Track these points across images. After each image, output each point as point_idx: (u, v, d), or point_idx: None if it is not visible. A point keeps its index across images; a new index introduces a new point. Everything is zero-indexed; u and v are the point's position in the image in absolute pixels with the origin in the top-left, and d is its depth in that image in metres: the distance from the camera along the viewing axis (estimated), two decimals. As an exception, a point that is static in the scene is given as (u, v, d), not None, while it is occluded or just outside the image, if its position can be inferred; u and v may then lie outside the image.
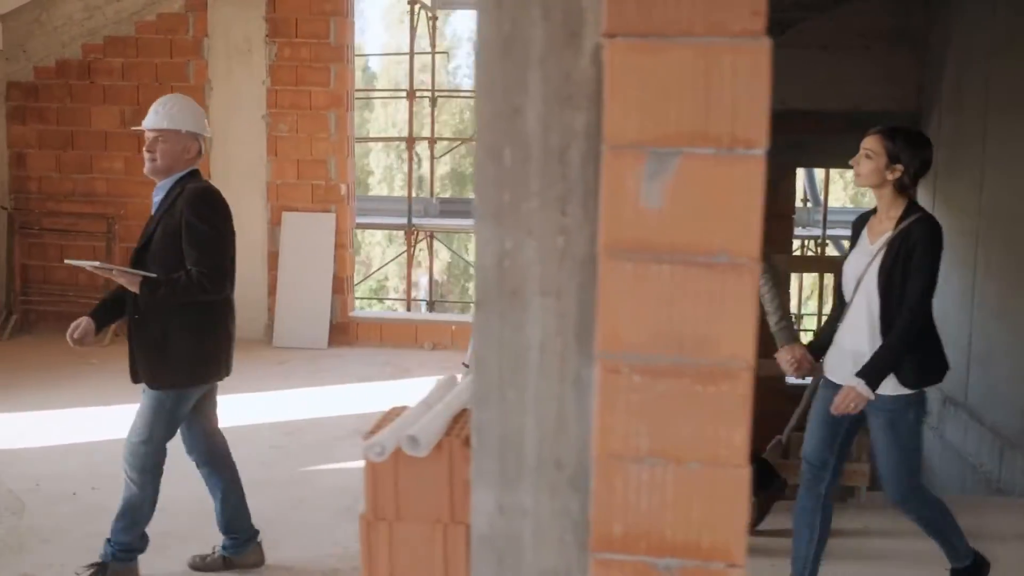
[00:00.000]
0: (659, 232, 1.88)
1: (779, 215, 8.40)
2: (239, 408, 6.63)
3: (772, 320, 4.08)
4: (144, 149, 3.95)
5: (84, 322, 3.86)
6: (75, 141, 9.07)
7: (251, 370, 7.82)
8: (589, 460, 2.12)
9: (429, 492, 2.20)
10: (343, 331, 8.92)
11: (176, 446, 3.98)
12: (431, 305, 12.73)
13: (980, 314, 6.84)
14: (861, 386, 3.41)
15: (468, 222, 11.43)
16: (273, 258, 8.91)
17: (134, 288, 3.81)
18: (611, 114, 1.88)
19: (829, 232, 10.73)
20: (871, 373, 3.44)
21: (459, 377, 2.58)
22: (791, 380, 8.09)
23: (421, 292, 22.45)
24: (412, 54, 9.31)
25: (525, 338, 2.04)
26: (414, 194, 10.56)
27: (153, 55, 8.90)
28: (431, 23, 9.92)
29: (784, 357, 3.87)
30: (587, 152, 2.00)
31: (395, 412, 2.26)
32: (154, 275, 3.81)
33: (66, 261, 3.84)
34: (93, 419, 6.22)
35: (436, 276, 22.30)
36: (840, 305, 3.69)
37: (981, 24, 7.03)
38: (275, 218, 8.92)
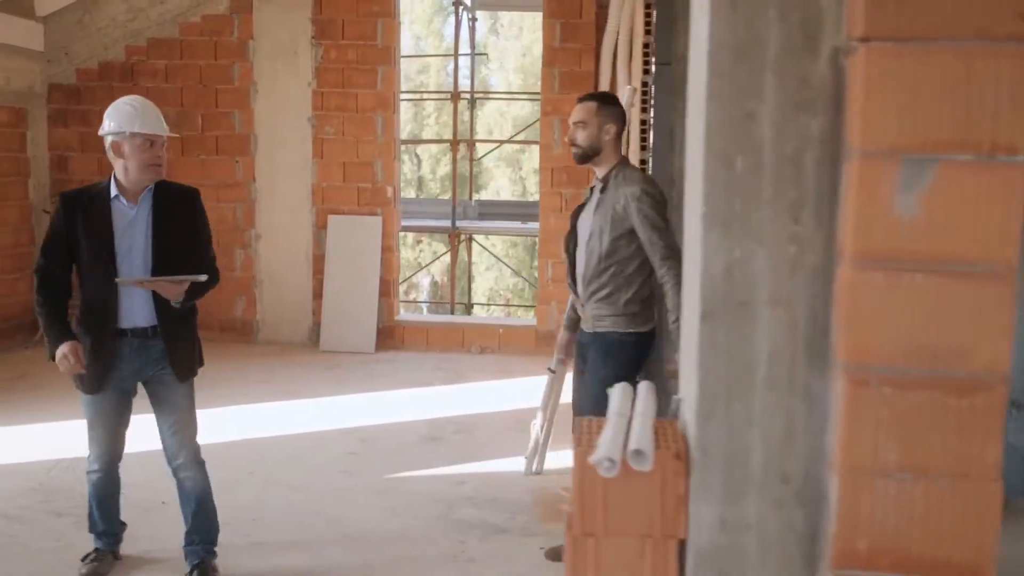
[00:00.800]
0: (913, 241, 1.84)
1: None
2: (303, 414, 6.61)
3: (671, 317, 3.91)
4: (155, 155, 3.77)
5: (75, 348, 3.71)
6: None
7: (304, 375, 7.80)
8: (818, 474, 2.07)
9: (639, 506, 2.15)
10: (389, 335, 8.87)
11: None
12: (468, 308, 12.63)
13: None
14: None
15: (507, 224, 11.37)
16: (318, 261, 8.85)
17: (178, 297, 3.74)
18: (863, 120, 1.83)
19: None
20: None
21: (640, 385, 2.52)
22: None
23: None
24: (457, 55, 9.27)
25: (753, 349, 1.99)
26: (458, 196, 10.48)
27: (197, 57, 8.84)
28: (471, 24, 9.88)
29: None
30: (822, 158, 1.96)
31: (588, 425, 2.19)
32: (204, 277, 3.76)
33: (116, 280, 3.69)
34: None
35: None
36: None
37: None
38: (320, 221, 8.87)
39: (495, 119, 24.40)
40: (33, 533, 4.40)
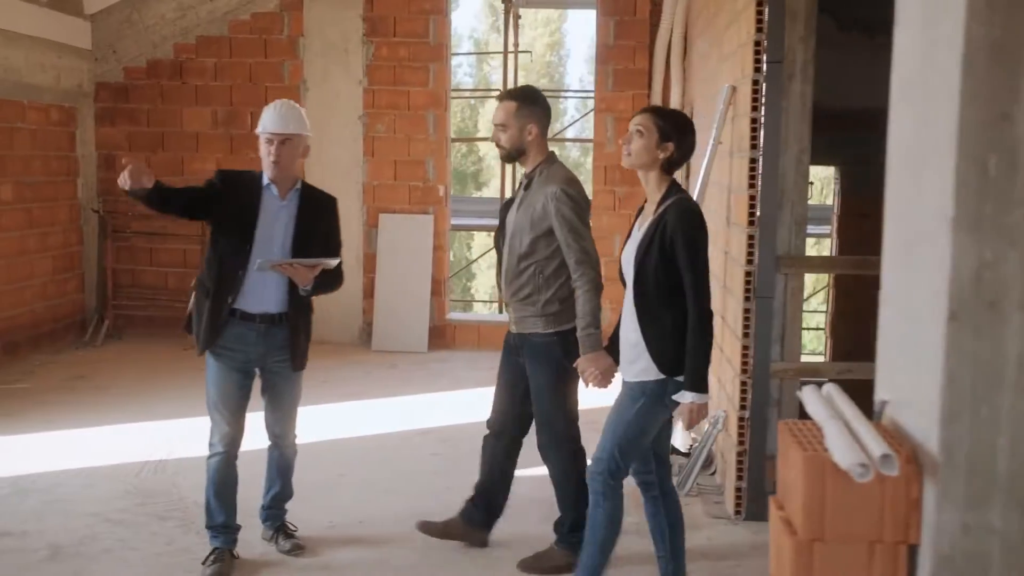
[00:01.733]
0: None
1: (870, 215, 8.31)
2: (374, 415, 6.58)
3: (580, 325, 3.83)
4: (270, 152, 3.95)
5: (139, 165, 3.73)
6: (166, 142, 8.97)
7: (363, 375, 7.78)
8: (1068, 479, 2.05)
9: (867, 511, 2.13)
10: (440, 334, 8.84)
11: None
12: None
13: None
14: (695, 398, 3.36)
15: None
16: (369, 260, 8.82)
17: (308, 283, 3.91)
18: None
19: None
20: (693, 380, 3.36)
21: (824, 388, 2.50)
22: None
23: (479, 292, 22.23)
24: (505, 53, 9.23)
25: (1002, 352, 1.96)
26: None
27: (247, 55, 8.80)
28: (515, 21, 9.84)
29: (587, 367, 3.75)
30: (1081, 160, 1.94)
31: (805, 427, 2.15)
32: (336, 261, 3.95)
33: (258, 262, 3.81)
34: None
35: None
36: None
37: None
38: (371, 220, 8.83)
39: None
40: (140, 537, 4.38)
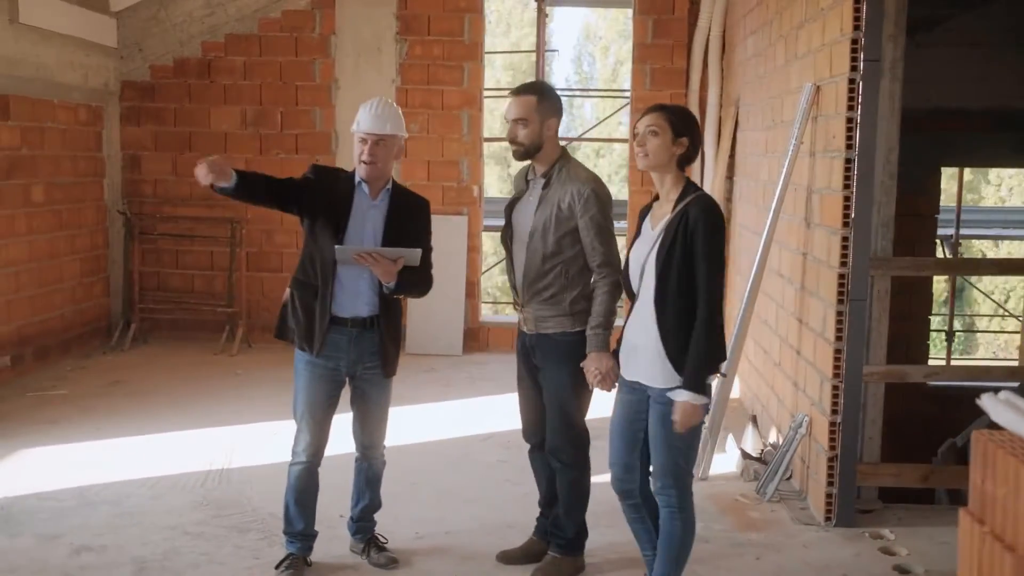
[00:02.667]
0: None
1: (921, 214, 8.29)
2: (428, 418, 6.45)
3: (592, 323, 3.78)
4: (364, 152, 3.84)
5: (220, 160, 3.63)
6: (193, 143, 8.78)
7: (402, 378, 7.60)
8: None
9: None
10: (474, 337, 8.72)
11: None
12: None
13: None
14: (692, 398, 3.28)
15: None
16: (402, 262, 8.67)
17: (391, 279, 3.79)
18: None
19: (964, 232, 10.64)
20: (692, 380, 3.29)
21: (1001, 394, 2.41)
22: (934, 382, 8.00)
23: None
24: (540, 51, 9.13)
25: None
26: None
27: (277, 53, 8.64)
28: (543, 19, 9.72)
29: (589, 366, 3.72)
30: None
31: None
32: (419, 251, 3.83)
33: (336, 248, 3.70)
34: (286, 432, 6.02)
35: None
36: (632, 300, 3.53)
37: None
38: (404, 221, 8.70)
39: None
40: (224, 551, 4.23)
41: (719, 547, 4.37)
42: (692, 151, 3.45)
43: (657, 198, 3.57)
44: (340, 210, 3.86)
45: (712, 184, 7.81)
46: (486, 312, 10.99)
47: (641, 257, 3.47)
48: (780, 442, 5.24)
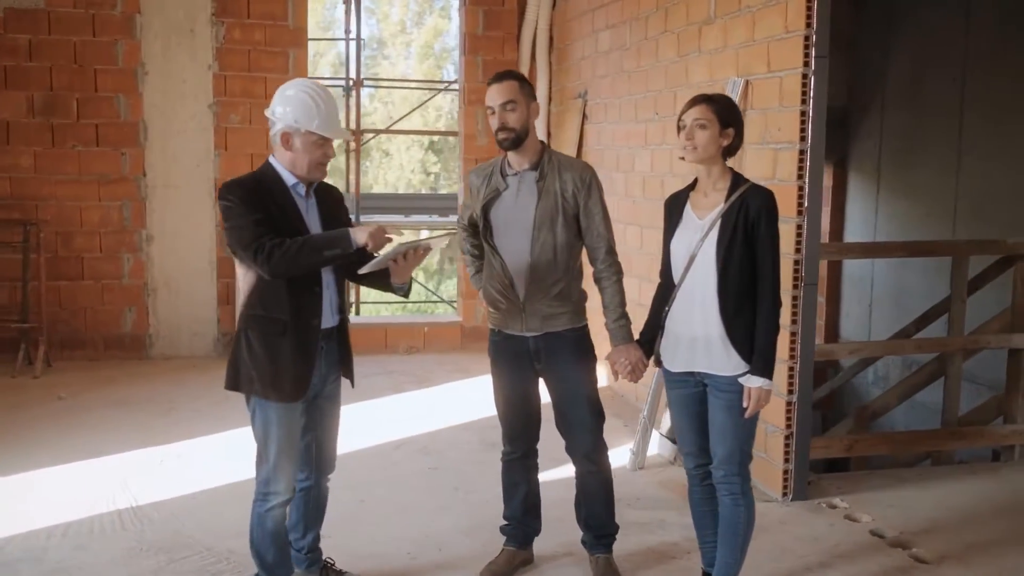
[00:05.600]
0: None
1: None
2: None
3: (613, 316, 3.73)
4: (325, 155, 3.42)
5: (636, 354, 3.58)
6: (-36, 133, 7.55)
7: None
8: None
9: None
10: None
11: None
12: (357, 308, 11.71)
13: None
14: (764, 383, 3.32)
15: (391, 218, 10.81)
16: (225, 264, 7.99)
17: (408, 276, 3.46)
18: None
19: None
20: (763, 365, 3.33)
21: None
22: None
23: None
24: (359, 40, 8.68)
25: None
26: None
27: (70, 32, 7.60)
28: (356, 6, 9.32)
29: (619, 358, 3.65)
30: None
31: None
32: (448, 237, 3.58)
33: (374, 253, 3.33)
34: (171, 457, 5.36)
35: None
36: (666, 288, 3.55)
37: (949, 30, 7.85)
38: (226, 219, 8.01)
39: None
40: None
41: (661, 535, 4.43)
42: (738, 141, 3.45)
43: (693, 187, 3.54)
44: (295, 218, 3.36)
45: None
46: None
47: (689, 246, 3.42)
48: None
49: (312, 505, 3.73)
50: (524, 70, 8.37)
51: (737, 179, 3.44)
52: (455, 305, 10.17)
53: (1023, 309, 5.56)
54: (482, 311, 8.27)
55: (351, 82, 9.95)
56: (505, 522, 4.06)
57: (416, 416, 6.38)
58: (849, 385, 8.41)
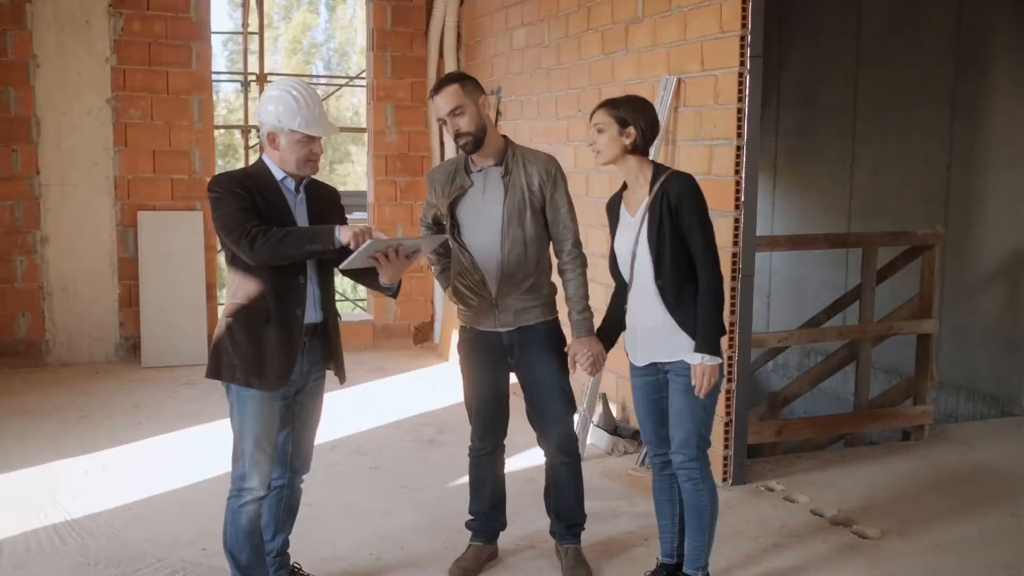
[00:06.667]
0: None
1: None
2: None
3: (577, 308, 3.79)
4: (313, 152, 3.41)
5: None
6: None
7: (165, 396, 6.82)
8: None
9: None
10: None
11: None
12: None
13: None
14: (707, 359, 3.41)
15: None
16: (126, 266, 7.66)
17: (398, 277, 3.41)
18: None
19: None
20: (706, 342, 3.42)
21: None
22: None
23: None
24: (262, 34, 8.42)
25: None
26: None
27: (-48, 22, 7.17)
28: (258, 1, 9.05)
29: (580, 350, 3.72)
30: None
31: None
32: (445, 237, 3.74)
33: (367, 245, 3.27)
34: (100, 466, 5.14)
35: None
36: (621, 288, 3.67)
37: (841, 32, 8.23)
38: (127, 219, 7.68)
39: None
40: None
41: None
42: (648, 134, 3.52)
43: (624, 187, 3.64)
44: (283, 210, 3.38)
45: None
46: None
47: (629, 244, 3.53)
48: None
49: (284, 505, 3.68)
50: (432, 66, 8.34)
51: (658, 170, 3.53)
52: (363, 304, 10.05)
53: (930, 297, 5.89)
54: (393, 310, 8.19)
55: (253, 77, 9.69)
56: (471, 517, 4.06)
57: (342, 416, 6.27)
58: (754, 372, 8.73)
